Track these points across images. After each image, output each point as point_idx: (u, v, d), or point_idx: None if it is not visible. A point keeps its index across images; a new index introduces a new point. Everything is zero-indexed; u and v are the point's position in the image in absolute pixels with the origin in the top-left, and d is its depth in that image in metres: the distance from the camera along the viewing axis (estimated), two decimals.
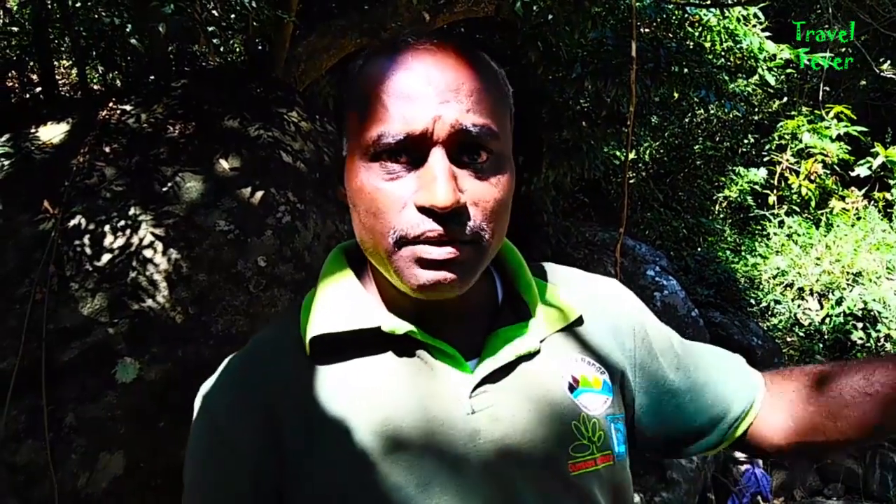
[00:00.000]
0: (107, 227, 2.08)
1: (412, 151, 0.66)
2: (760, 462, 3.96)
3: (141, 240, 2.07)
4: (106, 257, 2.03)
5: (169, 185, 2.20)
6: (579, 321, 0.82)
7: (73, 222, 2.08)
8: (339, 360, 0.73)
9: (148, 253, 2.06)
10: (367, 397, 0.71)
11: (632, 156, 6.11)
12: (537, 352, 0.77)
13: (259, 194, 2.28)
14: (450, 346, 0.74)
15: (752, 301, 5.38)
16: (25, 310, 1.94)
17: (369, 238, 0.69)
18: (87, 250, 2.04)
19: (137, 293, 2.01)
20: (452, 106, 0.66)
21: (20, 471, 1.83)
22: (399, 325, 0.72)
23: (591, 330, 0.83)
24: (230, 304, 2.11)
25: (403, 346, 0.74)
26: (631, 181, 6.04)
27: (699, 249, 5.99)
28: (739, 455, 4.03)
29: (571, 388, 0.77)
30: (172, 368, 2.00)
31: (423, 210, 0.65)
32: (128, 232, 2.07)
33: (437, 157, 0.66)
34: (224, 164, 2.31)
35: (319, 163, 2.57)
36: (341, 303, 0.75)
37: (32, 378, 1.89)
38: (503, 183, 0.70)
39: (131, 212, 2.11)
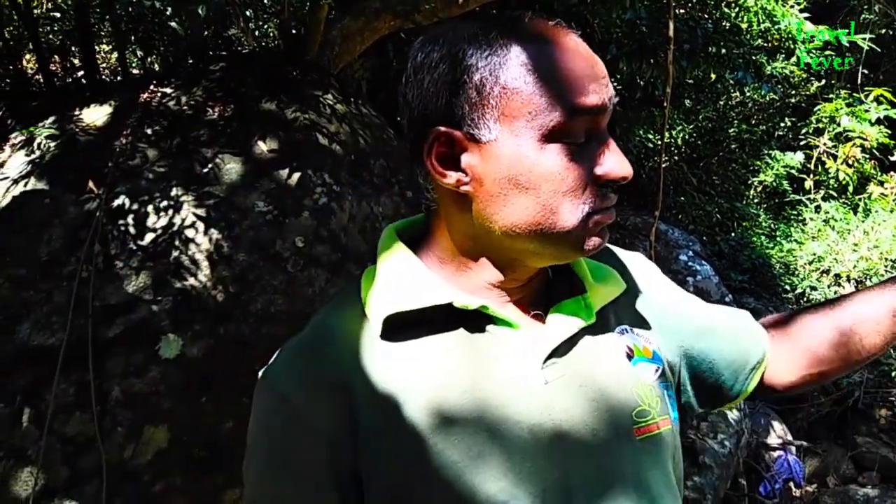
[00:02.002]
0: (150, 207, 2.12)
1: (592, 127, 0.69)
2: (793, 448, 3.92)
3: (183, 220, 2.12)
4: (149, 236, 2.08)
5: (209, 166, 2.24)
6: (624, 293, 0.85)
7: (117, 202, 2.13)
8: (410, 337, 0.74)
9: (190, 233, 2.10)
10: (440, 374, 0.72)
11: (665, 139, 6.04)
12: (594, 324, 0.79)
13: (296, 176, 2.31)
14: (517, 321, 0.76)
15: (787, 287, 5.30)
16: (72, 287, 2.00)
17: (549, 217, 0.69)
18: (131, 230, 2.09)
19: (180, 272, 2.05)
20: (609, 83, 0.71)
21: (70, 441, 1.90)
22: (470, 301, 0.73)
23: (633, 302, 0.87)
24: (269, 283, 2.15)
25: (473, 322, 0.75)
26: (664, 165, 5.97)
27: (733, 234, 5.91)
28: (772, 441, 4.00)
29: (629, 357, 0.80)
30: (214, 345, 2.04)
31: (607, 182, 0.70)
32: (170, 212, 2.12)
33: (606, 131, 0.71)
34: (262, 146, 2.34)
35: (354, 145, 2.60)
36: (408, 281, 0.75)
37: (80, 353, 1.94)
38: None
39: (173, 192, 2.16)
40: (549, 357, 0.75)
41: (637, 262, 0.93)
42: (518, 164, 0.68)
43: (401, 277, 0.76)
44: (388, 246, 0.80)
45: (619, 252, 0.93)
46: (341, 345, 0.74)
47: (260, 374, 0.77)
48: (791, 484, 3.83)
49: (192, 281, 2.06)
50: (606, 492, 0.72)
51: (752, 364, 0.91)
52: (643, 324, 0.85)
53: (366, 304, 0.76)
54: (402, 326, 0.73)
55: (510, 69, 0.68)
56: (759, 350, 0.92)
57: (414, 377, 0.72)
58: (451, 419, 0.70)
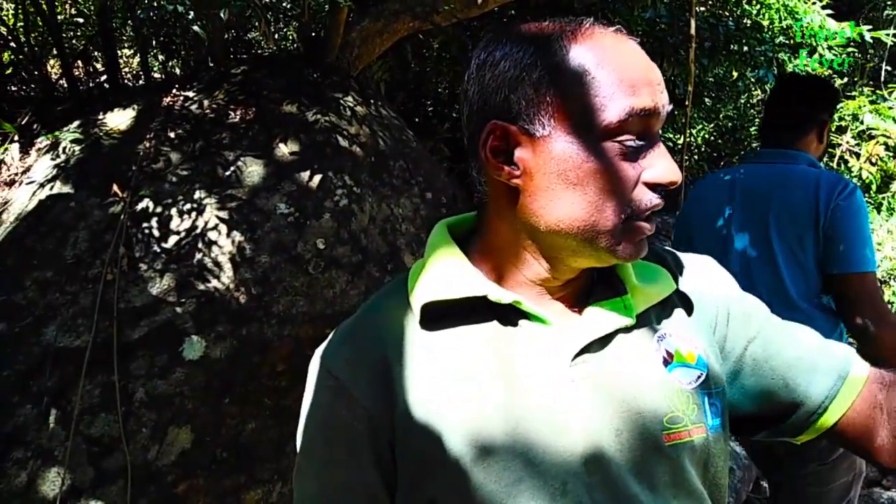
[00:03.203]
0: (173, 210, 2.14)
1: (644, 130, 0.71)
2: None
3: (206, 222, 2.13)
4: (173, 239, 2.10)
5: (231, 169, 2.25)
6: (673, 296, 0.84)
7: (141, 205, 2.15)
8: (446, 326, 0.78)
9: (213, 235, 2.12)
10: (472, 363, 0.76)
11: (686, 138, 5.99)
12: (633, 326, 0.79)
13: (317, 178, 2.32)
14: (550, 318, 0.78)
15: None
16: (97, 289, 2.02)
17: (593, 215, 0.71)
18: (155, 232, 2.11)
19: (203, 274, 2.07)
20: (664, 90, 0.72)
21: (95, 442, 1.92)
22: (504, 295, 0.76)
23: (684, 305, 0.85)
24: (290, 284, 2.16)
25: (507, 316, 0.78)
26: (685, 164, 5.93)
27: None
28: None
29: (665, 363, 0.79)
30: (236, 346, 2.06)
31: (655, 186, 0.72)
32: (193, 215, 2.13)
33: (658, 136, 0.72)
34: (283, 149, 2.35)
35: (374, 147, 2.60)
36: (449, 273, 0.79)
37: (105, 355, 1.97)
38: None
39: (196, 195, 2.18)
40: (579, 355, 0.76)
41: (705, 267, 0.91)
42: (569, 159, 0.70)
43: (443, 269, 0.80)
44: (437, 240, 0.85)
45: (686, 256, 0.92)
46: (384, 330, 0.79)
47: (317, 352, 0.83)
48: None
49: (214, 283, 2.08)
50: (623, 493, 0.73)
51: (814, 402, 0.83)
52: (691, 328, 0.83)
53: (411, 293, 0.80)
54: (440, 316, 0.77)
55: (568, 69, 0.70)
56: (827, 389, 0.83)
57: (446, 365, 0.75)
58: (481, 410, 0.73)
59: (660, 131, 0.74)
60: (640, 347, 0.79)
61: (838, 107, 6.23)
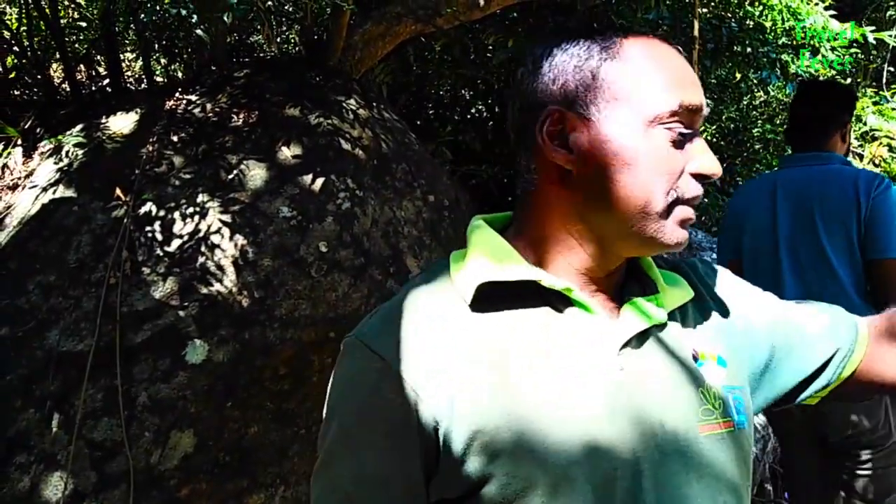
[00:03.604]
0: (176, 214, 2.15)
1: (689, 124, 0.77)
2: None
3: (209, 226, 2.13)
4: (176, 243, 2.10)
5: (234, 172, 2.26)
6: (692, 301, 0.89)
7: (144, 209, 2.15)
8: (498, 309, 0.78)
9: (216, 238, 2.12)
10: (523, 346, 0.76)
11: None
12: (665, 324, 0.83)
13: (320, 181, 2.32)
14: (597, 307, 0.81)
15: None
16: (100, 293, 2.02)
17: (642, 196, 0.75)
18: (158, 236, 2.11)
19: (206, 277, 2.07)
20: (702, 91, 0.79)
21: (98, 447, 1.92)
22: (556, 282, 0.79)
23: (701, 310, 0.90)
24: (293, 288, 2.16)
25: (556, 303, 0.80)
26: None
27: None
28: None
29: (695, 359, 0.84)
30: (239, 350, 2.06)
31: (699, 176, 0.77)
32: (196, 218, 2.13)
33: (699, 131, 0.78)
34: (286, 152, 2.35)
35: (377, 149, 2.60)
36: (499, 259, 0.81)
37: (108, 359, 1.97)
38: None
39: (199, 199, 2.18)
40: (624, 346, 0.79)
41: (707, 270, 0.97)
42: (623, 141, 0.75)
43: (492, 255, 0.81)
44: (479, 231, 0.86)
45: (697, 263, 0.98)
46: (431, 312, 0.79)
47: (348, 336, 0.81)
48: None
49: (217, 286, 2.08)
50: (672, 479, 0.75)
51: (842, 354, 0.92)
52: (709, 331, 0.89)
53: (455, 278, 0.82)
54: (492, 298, 0.78)
55: (624, 60, 0.77)
56: (849, 339, 0.93)
57: (498, 347, 0.76)
58: (532, 392, 0.74)
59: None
60: (673, 343, 0.83)
61: None
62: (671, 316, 0.85)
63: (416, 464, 0.73)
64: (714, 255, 4.64)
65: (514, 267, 0.79)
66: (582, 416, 0.73)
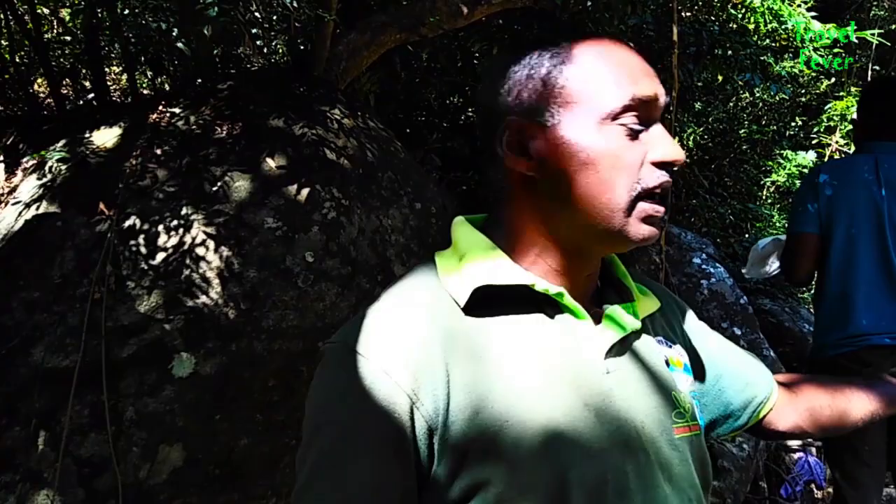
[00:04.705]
0: (160, 227, 2.14)
1: (646, 116, 0.78)
2: (814, 450, 3.88)
3: (193, 238, 2.13)
4: (160, 256, 2.10)
5: (218, 184, 2.25)
6: (658, 311, 0.93)
7: (128, 223, 2.15)
8: (492, 313, 0.79)
9: (200, 251, 2.11)
10: (517, 350, 0.77)
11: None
12: (640, 330, 0.87)
13: (305, 191, 2.32)
14: (585, 313, 0.82)
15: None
16: (85, 308, 2.01)
17: (603, 194, 0.76)
18: (143, 250, 2.10)
19: (191, 290, 2.06)
20: (659, 82, 0.80)
21: (85, 463, 1.91)
22: (551, 286, 0.80)
23: (665, 320, 0.96)
24: (280, 299, 2.16)
25: (549, 307, 0.81)
26: (675, 168, 5.93)
27: (747, 236, 5.87)
28: (792, 443, 3.95)
29: (667, 364, 0.89)
30: (227, 362, 2.05)
31: (661, 165, 0.77)
32: (181, 231, 2.13)
33: (659, 121, 0.79)
34: (271, 163, 2.35)
35: (362, 159, 2.60)
36: (491, 262, 0.81)
37: (94, 374, 1.96)
38: None
39: (183, 211, 2.17)
40: (609, 350, 0.81)
41: (666, 290, 1.05)
42: (580, 142, 0.76)
43: (484, 258, 0.82)
44: (464, 232, 0.87)
45: (651, 281, 1.03)
46: (422, 315, 0.77)
47: (329, 342, 0.78)
48: (812, 486, 3.79)
49: (203, 299, 2.07)
50: (653, 480, 0.77)
51: (761, 398, 1.03)
52: (674, 340, 0.95)
53: (445, 280, 0.82)
54: (485, 302, 0.78)
55: (574, 64, 0.78)
56: (767, 388, 1.04)
57: (493, 351, 0.76)
58: (526, 395, 0.74)
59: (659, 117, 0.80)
60: (648, 349, 0.87)
61: (827, 108, 6.27)
62: (644, 322, 0.89)
63: (410, 472, 0.71)
64: (703, 256, 4.65)
65: (507, 270, 0.80)
66: (576, 421, 0.75)
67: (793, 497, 3.70)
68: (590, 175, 0.76)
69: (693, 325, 1.03)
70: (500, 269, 0.80)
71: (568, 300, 0.81)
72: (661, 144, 0.78)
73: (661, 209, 0.79)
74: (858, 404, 1.08)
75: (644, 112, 0.77)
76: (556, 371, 0.77)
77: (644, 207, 0.77)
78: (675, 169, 0.79)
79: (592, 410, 0.76)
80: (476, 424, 0.72)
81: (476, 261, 0.81)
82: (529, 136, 0.79)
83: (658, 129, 0.79)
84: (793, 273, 2.46)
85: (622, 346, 0.83)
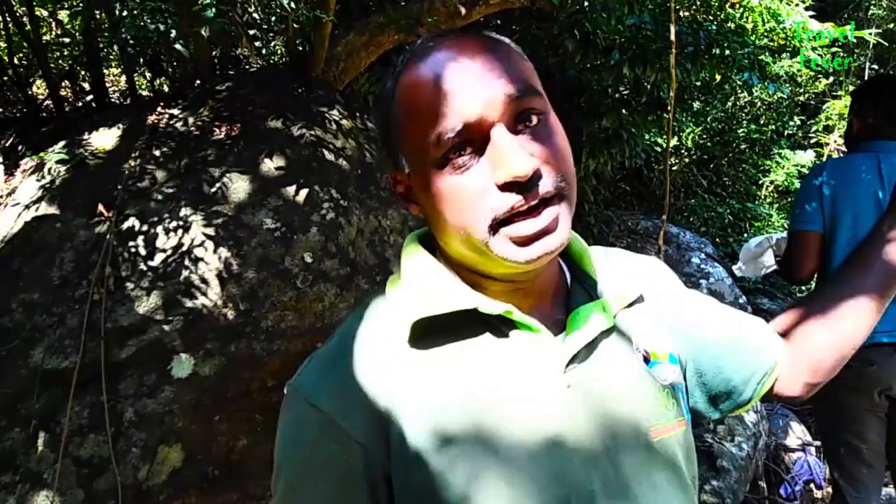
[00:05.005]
0: (159, 228, 2.14)
1: (475, 140, 0.69)
2: (813, 450, 3.88)
3: (192, 239, 2.13)
4: (159, 257, 2.10)
5: (217, 185, 2.26)
6: (638, 298, 0.88)
7: (126, 224, 2.15)
8: (438, 342, 0.76)
9: (199, 252, 2.12)
10: (468, 380, 0.74)
11: (674, 142, 6.02)
12: (613, 329, 0.82)
13: (303, 192, 2.33)
14: (540, 325, 0.77)
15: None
16: (84, 310, 2.02)
17: (462, 234, 0.72)
18: (142, 251, 2.10)
19: (190, 291, 2.07)
20: (494, 84, 0.69)
21: (84, 464, 1.91)
22: (496, 307, 0.75)
23: (648, 306, 0.89)
24: (279, 299, 2.16)
25: (498, 327, 0.77)
26: (674, 168, 5.95)
27: (745, 235, 5.88)
28: (791, 443, 3.95)
29: (646, 360, 0.83)
30: (225, 363, 2.06)
31: (506, 187, 0.68)
32: (179, 232, 2.13)
33: (500, 133, 0.69)
34: (269, 164, 2.36)
35: (361, 159, 2.61)
36: (434, 286, 0.78)
37: (93, 375, 1.96)
38: (561, 136, 0.74)
39: (182, 212, 2.18)
40: (571, 362, 0.76)
41: (651, 267, 0.96)
42: (427, 189, 0.73)
43: (426, 282, 0.79)
44: (412, 253, 0.83)
45: (634, 256, 0.96)
46: (370, 354, 0.76)
47: (288, 385, 0.78)
48: (812, 485, 3.79)
49: (202, 300, 2.08)
50: (626, 494, 0.73)
51: (762, 371, 0.92)
52: (657, 327, 0.88)
53: (393, 311, 0.79)
54: (429, 332, 0.75)
55: (397, 105, 0.74)
56: (771, 359, 0.92)
57: (442, 384, 0.73)
58: (481, 427, 0.72)
59: (503, 128, 0.69)
60: (622, 349, 0.81)
61: (825, 107, 6.28)
62: (619, 317, 0.84)
63: None
64: (702, 255, 4.66)
65: (449, 295, 0.76)
66: (532, 445, 0.71)
67: (792, 497, 3.70)
68: (445, 217, 0.72)
69: (685, 300, 0.94)
70: (442, 295, 0.76)
71: (518, 316, 0.76)
72: (500, 164, 0.68)
73: (527, 228, 0.69)
74: (860, 316, 0.91)
75: (471, 135, 0.69)
76: (510, 398, 0.73)
77: (507, 232, 0.70)
78: (527, 181, 0.68)
79: (551, 431, 0.72)
80: (430, 467, 0.70)
81: (418, 288, 0.78)
82: (404, 184, 0.78)
83: (497, 146, 0.69)
84: (795, 272, 2.44)
85: (589, 351, 0.78)
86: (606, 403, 0.76)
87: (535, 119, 0.71)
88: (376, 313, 0.80)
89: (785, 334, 0.95)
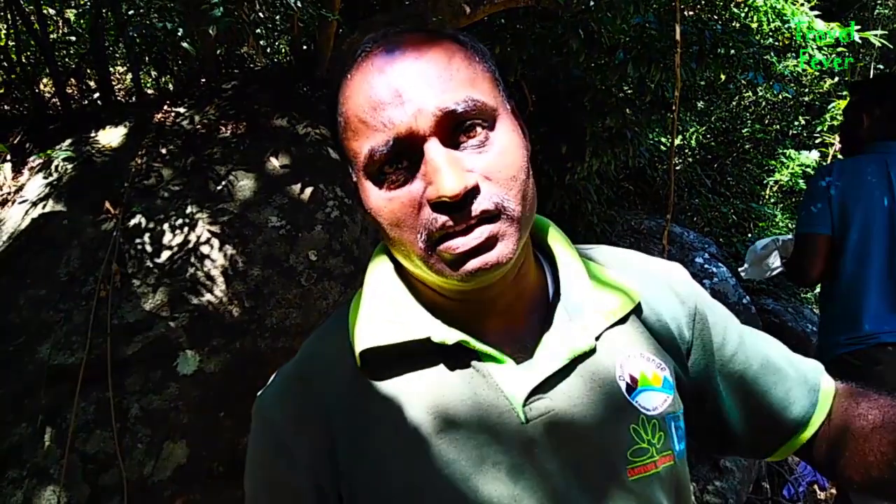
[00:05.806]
0: (165, 226, 2.16)
1: (407, 154, 0.65)
2: None
3: (198, 237, 2.14)
4: (165, 254, 2.11)
5: (223, 183, 2.27)
6: (637, 311, 0.79)
7: (133, 222, 2.16)
8: (390, 372, 0.72)
9: (205, 249, 2.13)
10: (417, 412, 0.70)
11: (678, 141, 6.02)
12: (593, 350, 0.74)
13: (308, 190, 2.34)
14: (502, 353, 0.72)
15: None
16: (91, 307, 2.03)
17: (401, 249, 0.69)
18: (148, 248, 2.12)
19: (196, 288, 2.08)
20: (426, 94, 0.64)
21: (90, 459, 1.92)
22: (448, 336, 0.70)
23: (650, 319, 0.80)
24: (283, 297, 2.17)
25: (454, 356, 0.72)
26: (678, 167, 5.95)
27: (749, 235, 5.87)
28: None
29: (630, 389, 0.74)
30: (231, 360, 2.07)
31: (437, 206, 0.64)
32: (185, 229, 2.15)
33: (433, 147, 0.64)
34: (274, 162, 2.37)
35: None
36: (388, 312, 0.74)
37: (99, 372, 1.97)
38: (510, 147, 0.67)
39: (188, 210, 2.19)
40: (534, 393, 0.70)
41: (669, 276, 0.85)
42: (366, 201, 0.70)
43: (382, 305, 0.75)
44: (376, 265, 0.79)
45: (653, 263, 0.86)
46: (325, 378, 0.74)
47: (259, 395, 0.78)
48: (815, 487, 3.78)
49: (208, 297, 2.09)
50: None
51: (788, 427, 0.82)
52: (656, 345, 0.79)
53: (351, 333, 0.75)
54: (381, 360, 0.72)
55: (340, 115, 0.70)
56: (802, 415, 0.82)
57: (391, 417, 0.70)
58: (427, 463, 0.68)
59: (436, 142, 0.65)
60: (600, 376, 0.73)
61: (830, 107, 6.27)
62: (606, 336, 0.76)
63: None
64: (706, 255, 4.66)
65: (403, 321, 0.72)
66: (483, 488, 0.67)
67: (795, 498, 3.70)
68: (388, 231, 0.68)
69: (706, 321, 0.82)
70: (395, 320, 0.72)
71: (477, 345, 0.70)
72: (429, 182, 0.64)
73: (463, 243, 0.64)
74: None
75: (404, 148, 0.65)
76: (458, 432, 0.68)
77: (440, 249, 0.65)
78: (458, 200, 0.63)
79: (505, 471, 0.67)
80: (375, 499, 0.69)
81: (373, 310, 0.74)
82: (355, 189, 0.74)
83: (427, 163, 0.64)
84: (804, 274, 2.41)
85: (558, 381, 0.71)
86: (572, 439, 0.69)
87: (478, 130, 0.65)
88: (336, 334, 0.77)
89: (854, 411, 0.82)
